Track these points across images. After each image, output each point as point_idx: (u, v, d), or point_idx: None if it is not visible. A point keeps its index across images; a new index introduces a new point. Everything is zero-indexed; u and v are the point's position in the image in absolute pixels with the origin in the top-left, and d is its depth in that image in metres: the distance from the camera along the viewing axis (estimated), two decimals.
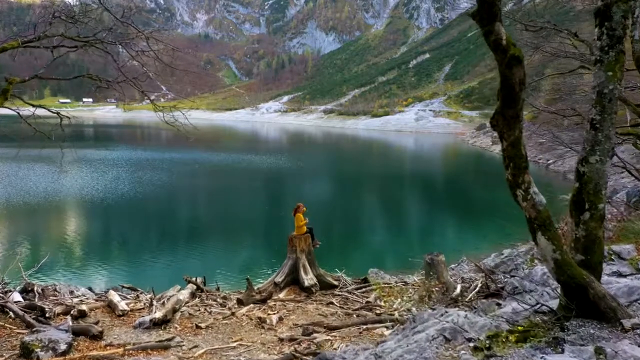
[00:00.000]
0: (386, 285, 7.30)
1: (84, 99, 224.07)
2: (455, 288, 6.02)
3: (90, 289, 7.77)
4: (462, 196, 35.68)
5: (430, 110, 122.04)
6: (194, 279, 7.37)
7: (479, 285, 6.22)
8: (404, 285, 7.30)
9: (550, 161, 47.30)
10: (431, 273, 6.04)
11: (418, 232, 25.65)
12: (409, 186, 41.28)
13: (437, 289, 5.67)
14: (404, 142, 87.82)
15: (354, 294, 6.91)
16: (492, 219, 27.75)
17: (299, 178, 42.44)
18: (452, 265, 18.12)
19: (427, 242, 23.33)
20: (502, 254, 20.06)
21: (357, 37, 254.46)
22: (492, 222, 27.05)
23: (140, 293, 7.47)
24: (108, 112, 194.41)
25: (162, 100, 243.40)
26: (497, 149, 64.56)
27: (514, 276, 3.82)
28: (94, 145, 71.28)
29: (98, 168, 42.44)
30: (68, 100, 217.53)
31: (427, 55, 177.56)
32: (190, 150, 60.95)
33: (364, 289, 7.13)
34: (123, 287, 7.71)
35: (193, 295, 6.88)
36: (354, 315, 5.93)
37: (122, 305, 6.17)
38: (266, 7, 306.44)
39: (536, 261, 3.55)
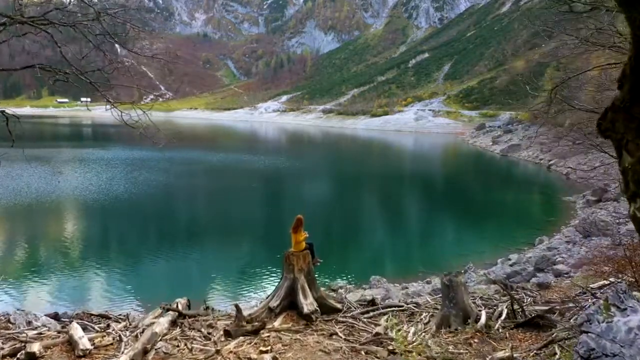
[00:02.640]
0: (397, 308, 6.43)
1: (82, 99, 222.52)
2: (479, 316, 5.16)
3: (55, 315, 6.80)
4: (464, 197, 34.90)
5: (430, 110, 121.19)
6: (175, 304, 6.43)
7: (505, 310, 5.38)
8: (415, 307, 6.44)
9: (552, 161, 46.62)
10: (449, 296, 5.21)
11: (419, 234, 24.86)
12: (409, 187, 40.50)
13: (475, 341, 4.73)
14: (404, 142, 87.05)
15: (360, 320, 6.03)
16: (494, 221, 27.02)
17: (297, 179, 41.61)
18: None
19: (429, 245, 22.54)
20: (510, 259, 19.25)
21: (356, 37, 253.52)
22: (495, 224, 26.31)
23: (113, 321, 6.49)
24: (106, 112, 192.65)
25: (160, 100, 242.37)
26: (497, 149, 63.70)
27: (586, 332, 2.96)
28: (92, 145, 70.38)
29: (92, 168, 41.59)
30: (66, 100, 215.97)
31: (426, 55, 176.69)
32: (187, 151, 60.11)
33: (371, 314, 6.25)
34: (91, 314, 6.74)
35: (174, 323, 5.97)
36: (362, 352, 5.05)
37: (84, 342, 5.18)
38: (265, 7, 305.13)
39: (613, 309, 2.72)
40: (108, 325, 5.93)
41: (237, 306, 5.84)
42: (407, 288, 14.84)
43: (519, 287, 7.60)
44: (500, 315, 5.29)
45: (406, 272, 18.20)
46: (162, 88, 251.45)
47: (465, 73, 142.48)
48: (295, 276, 6.12)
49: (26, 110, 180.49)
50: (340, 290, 15.91)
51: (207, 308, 7.16)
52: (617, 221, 19.53)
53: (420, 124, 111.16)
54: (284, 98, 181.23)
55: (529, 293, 7.15)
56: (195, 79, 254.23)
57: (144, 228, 24.22)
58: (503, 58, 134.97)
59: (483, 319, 5.04)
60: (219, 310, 8.48)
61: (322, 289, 6.69)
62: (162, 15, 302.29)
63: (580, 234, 19.05)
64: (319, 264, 6.85)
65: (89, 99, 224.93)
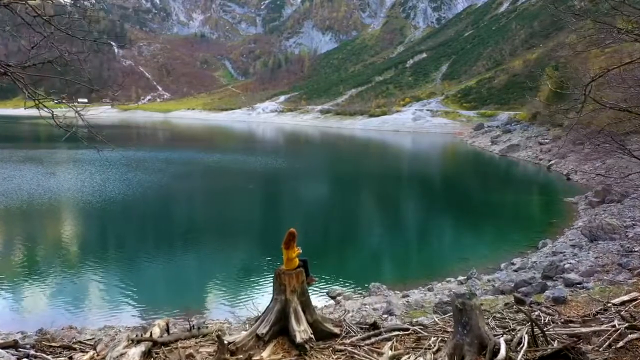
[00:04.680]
0: (402, 332, 5.75)
1: (79, 100, 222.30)
2: (498, 346, 4.50)
3: (14, 344, 6.02)
4: (463, 198, 34.31)
5: (428, 110, 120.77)
6: (149, 331, 5.72)
7: (526, 337, 4.73)
8: (422, 329, 5.79)
9: (552, 162, 46.12)
10: (462, 322, 4.57)
11: (419, 238, 24.23)
12: (408, 188, 39.91)
13: None
14: (402, 142, 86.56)
15: (360, 347, 5.35)
16: (495, 223, 26.42)
17: (294, 180, 40.97)
18: (461, 278, 16.73)
19: (429, 249, 21.93)
20: (513, 264, 18.62)
21: (353, 37, 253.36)
22: (496, 227, 25.71)
23: (78, 351, 5.73)
24: (103, 113, 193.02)
25: (158, 100, 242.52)
26: (496, 149, 63.10)
27: None
28: (87, 146, 69.54)
29: (86, 169, 40.85)
30: (62, 101, 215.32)
31: (424, 55, 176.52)
32: (184, 151, 59.54)
33: (373, 339, 5.57)
34: (52, 345, 5.96)
35: (148, 353, 5.27)
36: None
37: None
38: (262, 7, 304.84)
39: None
40: (70, 358, 5.23)
41: (218, 337, 5.15)
42: (407, 296, 14.21)
43: (533, 303, 6.99)
44: (520, 342, 4.63)
45: (406, 278, 17.62)
46: (160, 88, 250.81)
47: (463, 73, 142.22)
48: (287, 298, 5.40)
49: (23, 111, 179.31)
50: (338, 298, 15.33)
51: (191, 328, 6.50)
52: (624, 224, 18.90)
53: (418, 124, 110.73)
54: (282, 98, 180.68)
55: (544, 310, 6.52)
56: (192, 79, 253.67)
57: (134, 232, 23.49)
58: (501, 58, 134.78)
59: (503, 351, 4.34)
60: (207, 327, 7.82)
61: (318, 311, 6.01)
62: (159, 16, 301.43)
63: (586, 238, 18.42)
64: (314, 283, 6.15)
65: (85, 100, 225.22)
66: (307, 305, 5.54)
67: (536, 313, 6.26)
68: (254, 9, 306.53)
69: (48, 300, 15.16)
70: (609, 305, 6.66)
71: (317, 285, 16.50)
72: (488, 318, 5.82)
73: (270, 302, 5.66)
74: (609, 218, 20.55)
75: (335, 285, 16.63)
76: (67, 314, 14.10)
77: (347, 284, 16.81)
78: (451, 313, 6.12)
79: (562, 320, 6.04)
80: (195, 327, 6.75)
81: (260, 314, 5.92)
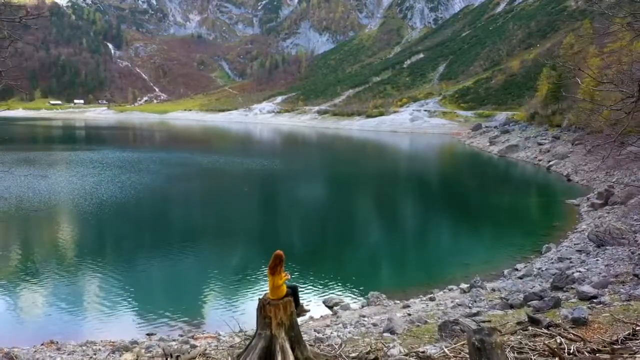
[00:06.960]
0: None
1: (75, 101, 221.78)
2: None
3: None
4: (463, 201, 33.65)
5: (426, 111, 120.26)
6: None
7: None
8: None
9: (552, 162, 45.53)
10: None
11: (419, 243, 23.52)
12: (406, 191, 39.18)
13: None
14: (400, 142, 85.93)
15: None
16: (496, 226, 25.77)
17: (291, 182, 40.21)
18: (463, 286, 16.00)
19: (429, 254, 21.22)
20: (517, 270, 17.88)
21: (350, 38, 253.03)
22: (496, 230, 25.05)
23: None
24: (99, 114, 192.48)
25: (155, 101, 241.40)
26: (494, 149, 62.48)
27: None
28: (83, 147, 68.64)
29: (78, 171, 40.01)
30: (59, 102, 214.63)
31: (421, 55, 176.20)
32: (179, 153, 58.80)
33: None
34: None
35: None
36: None
37: None
38: (259, 8, 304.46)
39: None
40: None
41: None
42: (408, 307, 13.48)
43: (551, 325, 6.28)
44: None
45: (406, 285, 16.90)
46: (157, 89, 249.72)
47: (460, 73, 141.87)
48: (273, 333, 4.59)
49: (19, 112, 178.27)
50: (335, 308, 14.61)
51: (168, 357, 5.74)
52: (632, 228, 18.19)
53: (415, 125, 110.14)
54: (279, 99, 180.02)
55: (565, 335, 5.81)
56: (189, 80, 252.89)
57: (124, 239, 22.62)
58: (498, 58, 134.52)
59: None
60: (190, 350, 7.06)
61: (309, 345, 5.23)
62: (156, 17, 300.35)
63: (592, 243, 17.71)
64: (304, 314, 5.36)
65: (82, 101, 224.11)
66: (296, 341, 4.73)
67: (558, 340, 5.52)
68: (250, 9, 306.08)
69: (31, 311, 14.41)
70: (637, 328, 5.93)
71: (314, 293, 15.77)
72: (505, 348, 5.08)
73: (254, 338, 4.88)
74: (614, 221, 19.85)
75: (332, 293, 15.91)
76: (50, 326, 13.37)
77: (344, 292, 16.09)
78: (463, 341, 5.39)
79: (588, 349, 5.31)
80: (173, 355, 5.98)
81: (243, 346, 5.16)
